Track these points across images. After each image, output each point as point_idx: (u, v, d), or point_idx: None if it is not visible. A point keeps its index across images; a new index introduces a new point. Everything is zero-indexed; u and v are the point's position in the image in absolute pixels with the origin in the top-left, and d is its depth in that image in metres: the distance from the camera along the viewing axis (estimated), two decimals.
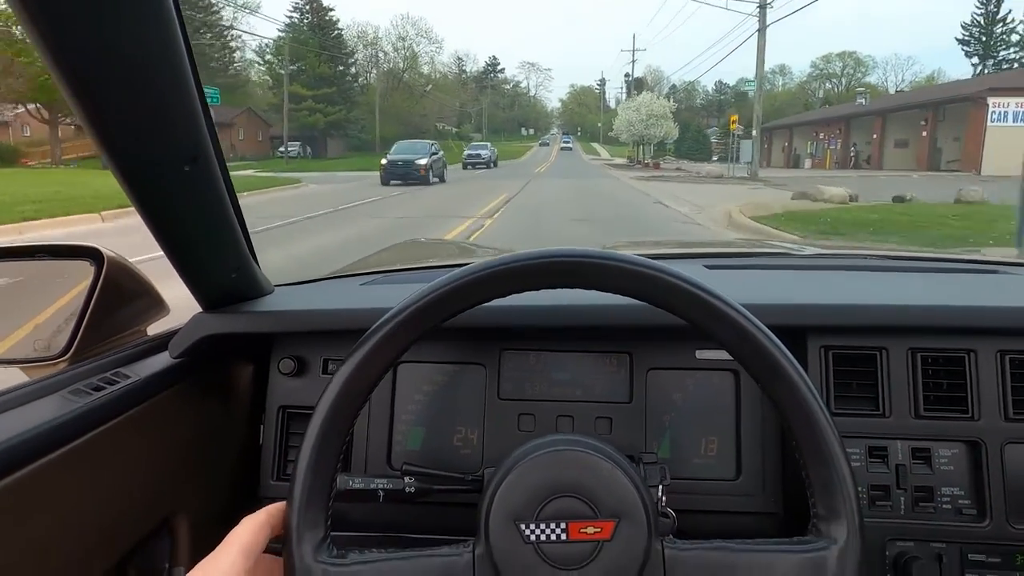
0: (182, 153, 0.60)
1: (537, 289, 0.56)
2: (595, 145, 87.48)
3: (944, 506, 0.81)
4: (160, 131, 0.57)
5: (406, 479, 0.77)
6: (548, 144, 52.50)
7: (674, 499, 0.75)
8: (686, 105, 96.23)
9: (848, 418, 0.82)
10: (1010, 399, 0.81)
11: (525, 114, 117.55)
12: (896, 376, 0.83)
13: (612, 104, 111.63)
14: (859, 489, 0.74)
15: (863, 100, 37.41)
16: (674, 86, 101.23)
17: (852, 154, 34.47)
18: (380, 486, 0.75)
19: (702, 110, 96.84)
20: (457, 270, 0.55)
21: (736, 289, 0.93)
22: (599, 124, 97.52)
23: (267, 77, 51.37)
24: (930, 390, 0.82)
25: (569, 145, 75.31)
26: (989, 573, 0.79)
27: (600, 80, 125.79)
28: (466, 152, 34.90)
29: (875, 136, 31.71)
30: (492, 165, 33.99)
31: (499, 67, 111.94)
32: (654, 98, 38.36)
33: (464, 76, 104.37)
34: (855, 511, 0.53)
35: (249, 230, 0.81)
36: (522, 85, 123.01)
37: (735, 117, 27.28)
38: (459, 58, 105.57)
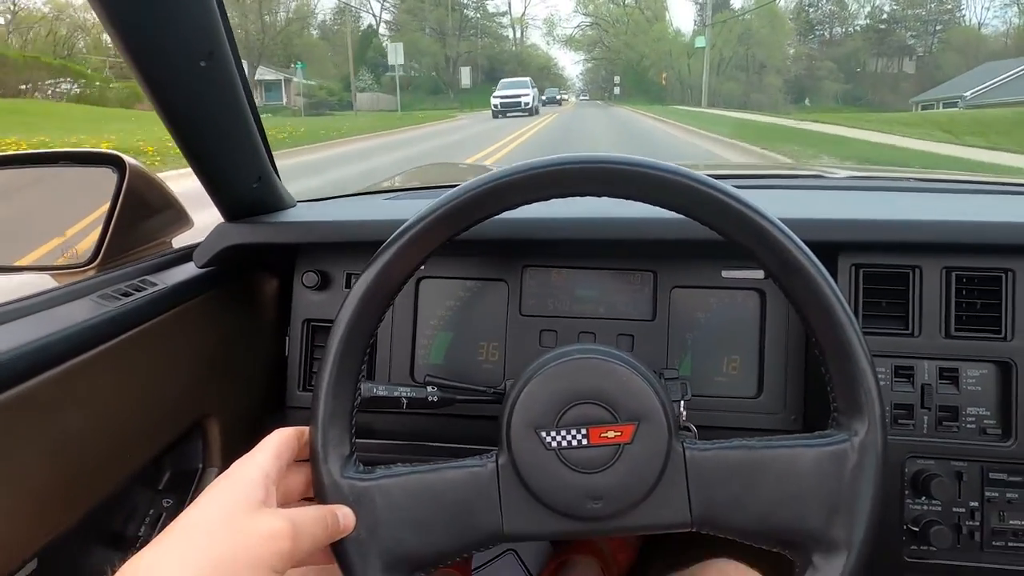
0: (198, 47, 0.58)
1: (552, 198, 0.54)
2: (727, 113, 27.64)
3: (968, 426, 0.80)
4: (174, 24, 0.55)
5: (429, 388, 0.78)
6: None
7: (695, 415, 0.76)
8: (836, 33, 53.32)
9: (876, 337, 0.81)
10: None
11: (495, 50, 66.39)
12: (928, 296, 0.81)
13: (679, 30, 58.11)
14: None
15: None
16: None
17: None
18: (403, 394, 0.77)
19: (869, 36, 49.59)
20: (482, 175, 0.54)
21: (766, 205, 0.90)
22: (691, 54, 43.68)
23: None
24: (963, 310, 0.80)
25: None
26: (1010, 491, 0.79)
27: None
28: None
29: None
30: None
31: None
32: None
33: None
34: (876, 403, 0.52)
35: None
36: None
37: None
38: None
